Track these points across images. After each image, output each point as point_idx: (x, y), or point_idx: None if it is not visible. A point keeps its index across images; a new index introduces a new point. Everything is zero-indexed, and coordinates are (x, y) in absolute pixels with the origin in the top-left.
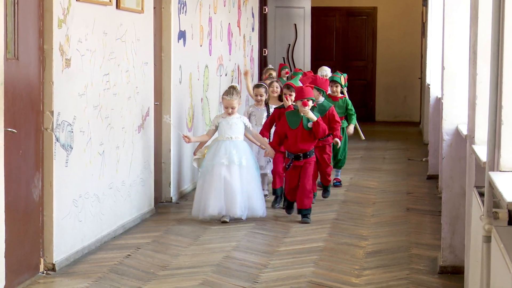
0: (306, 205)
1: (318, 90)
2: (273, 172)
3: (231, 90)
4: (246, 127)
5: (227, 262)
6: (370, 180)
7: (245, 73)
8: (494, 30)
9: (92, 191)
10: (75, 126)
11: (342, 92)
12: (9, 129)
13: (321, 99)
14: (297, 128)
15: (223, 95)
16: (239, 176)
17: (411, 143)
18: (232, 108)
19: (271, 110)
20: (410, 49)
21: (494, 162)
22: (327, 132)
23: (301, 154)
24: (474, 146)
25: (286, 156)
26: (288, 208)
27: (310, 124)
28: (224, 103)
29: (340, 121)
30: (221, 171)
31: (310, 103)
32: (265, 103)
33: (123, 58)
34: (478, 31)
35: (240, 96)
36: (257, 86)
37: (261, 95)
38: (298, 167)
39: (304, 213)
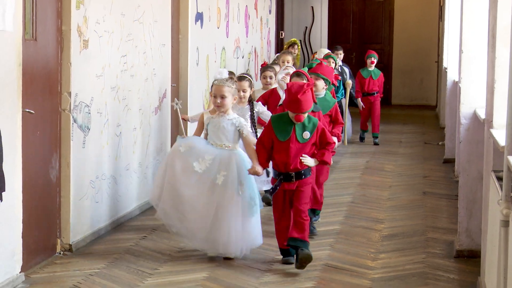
0: (298, 235)
1: (324, 80)
2: None
3: (228, 78)
4: (240, 133)
5: None
6: (386, 164)
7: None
8: None
9: (109, 172)
10: (93, 107)
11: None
12: (27, 110)
13: (323, 92)
14: (287, 139)
15: (213, 81)
16: (223, 205)
17: (427, 127)
18: (222, 97)
19: (259, 109)
20: (427, 33)
21: None
22: (332, 149)
23: (293, 174)
24: (492, 130)
25: (272, 175)
26: (285, 254)
27: (306, 135)
28: (213, 90)
29: (343, 122)
30: (201, 187)
31: (306, 116)
32: (248, 101)
33: (141, 40)
34: (498, 14)
35: (234, 88)
36: (239, 79)
37: (243, 91)
38: (289, 192)
39: (295, 245)
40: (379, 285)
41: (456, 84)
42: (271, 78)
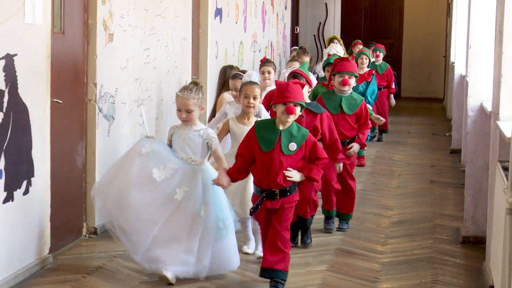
0: (274, 263)
1: (352, 74)
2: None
3: (190, 86)
4: (208, 147)
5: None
6: (395, 153)
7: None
8: None
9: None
10: (117, 97)
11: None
12: (55, 100)
13: (349, 90)
14: (271, 150)
15: (177, 92)
16: (178, 224)
17: (435, 119)
18: (187, 111)
19: (259, 110)
20: (435, 28)
21: None
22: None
23: (277, 191)
24: (498, 122)
25: (253, 192)
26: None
27: (292, 147)
28: (177, 103)
29: (370, 124)
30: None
31: (298, 111)
32: None
33: (163, 34)
34: (505, 11)
35: (201, 98)
36: (233, 77)
37: (237, 90)
38: (272, 211)
39: (270, 276)
40: (389, 268)
41: (463, 78)
42: (269, 73)
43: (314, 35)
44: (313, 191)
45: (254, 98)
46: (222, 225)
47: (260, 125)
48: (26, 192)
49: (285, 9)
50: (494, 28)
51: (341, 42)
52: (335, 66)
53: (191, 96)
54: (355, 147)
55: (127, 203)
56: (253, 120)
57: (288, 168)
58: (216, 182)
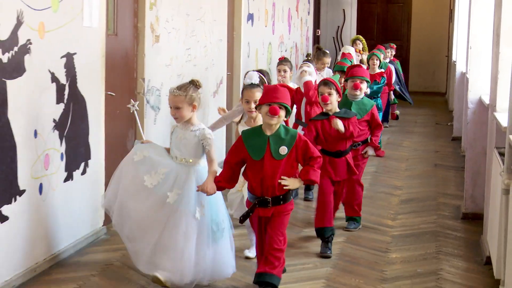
0: (269, 270)
1: (363, 79)
2: (319, 202)
3: (185, 84)
4: (203, 146)
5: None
6: (404, 140)
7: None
8: None
9: None
10: (162, 91)
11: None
12: (109, 93)
13: (362, 95)
14: (262, 158)
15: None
16: (172, 228)
17: (438, 110)
18: (176, 108)
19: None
20: (438, 32)
21: None
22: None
23: (269, 199)
24: (495, 113)
25: (247, 197)
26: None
27: (283, 151)
28: (168, 101)
29: (382, 126)
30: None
31: (283, 114)
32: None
33: (202, 36)
34: (502, 15)
35: (191, 96)
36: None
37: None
38: (265, 219)
39: (263, 281)
40: (398, 241)
41: (463, 75)
42: (285, 71)
43: (333, 37)
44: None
45: (255, 103)
46: (216, 228)
47: (247, 134)
48: (83, 172)
49: (308, 14)
50: (492, 31)
51: (364, 42)
52: (348, 72)
53: (177, 93)
54: (369, 151)
55: (127, 214)
56: (260, 121)
57: (283, 177)
58: (201, 189)
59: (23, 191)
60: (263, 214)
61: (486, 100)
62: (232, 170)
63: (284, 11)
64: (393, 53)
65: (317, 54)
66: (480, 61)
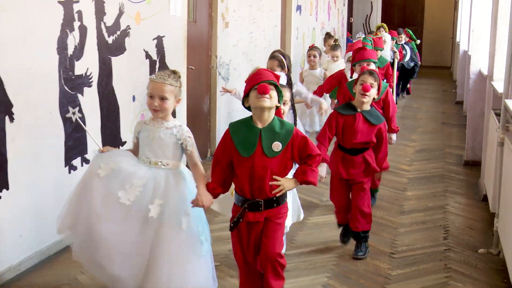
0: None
1: (374, 63)
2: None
3: (168, 72)
4: (183, 149)
5: None
6: (417, 104)
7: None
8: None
9: (240, 107)
10: (231, 65)
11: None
12: (190, 67)
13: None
14: (252, 154)
15: (151, 76)
16: (160, 245)
17: (445, 80)
18: (161, 98)
19: (297, 89)
20: (445, 19)
21: (508, 93)
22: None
23: (261, 201)
24: (493, 82)
25: (235, 201)
26: None
27: (277, 147)
28: (150, 88)
29: (396, 108)
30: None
31: (274, 95)
32: (287, 81)
33: (261, 22)
34: (499, 3)
35: (179, 88)
36: (270, 58)
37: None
38: (255, 227)
39: None
40: (413, 182)
41: (465, 53)
42: (314, 57)
43: (363, 24)
44: (366, 202)
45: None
46: (203, 239)
47: (235, 127)
48: None
49: (343, 6)
50: (490, 16)
51: (387, 29)
52: (354, 57)
53: (168, 81)
54: (392, 137)
55: (101, 238)
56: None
57: (275, 177)
58: (196, 204)
59: (125, 142)
60: (253, 219)
61: (485, 72)
62: (224, 170)
63: (324, 3)
64: (405, 38)
65: (332, 47)
66: (480, 41)
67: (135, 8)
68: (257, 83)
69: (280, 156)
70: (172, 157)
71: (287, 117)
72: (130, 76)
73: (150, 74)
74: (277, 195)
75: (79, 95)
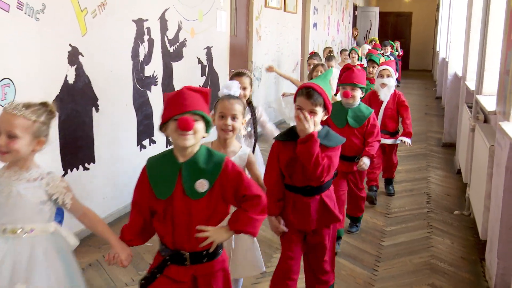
0: None
1: (356, 87)
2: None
3: (36, 106)
4: (54, 204)
5: None
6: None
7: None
8: (482, 16)
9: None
10: (262, 68)
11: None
12: (231, 70)
13: (357, 101)
14: (170, 197)
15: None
16: None
17: (427, 80)
18: (9, 135)
19: (261, 113)
20: (428, 33)
21: (479, 90)
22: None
23: (186, 254)
24: (466, 82)
25: (159, 249)
26: None
27: (202, 186)
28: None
29: (379, 138)
30: None
31: (201, 127)
32: (247, 102)
33: (286, 36)
34: (471, 22)
35: (39, 123)
36: (238, 75)
37: (244, 88)
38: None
39: None
40: (402, 158)
41: (443, 60)
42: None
43: (363, 37)
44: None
45: (233, 118)
46: None
47: (153, 162)
48: None
49: (349, 23)
50: (464, 31)
51: (378, 41)
52: (340, 76)
53: (21, 112)
54: (365, 161)
55: None
56: (234, 146)
57: (199, 227)
58: (114, 263)
59: None
60: (177, 277)
61: (459, 74)
62: (142, 217)
63: (335, 21)
64: (390, 50)
65: (327, 57)
66: (455, 50)
67: (190, 25)
68: (178, 114)
69: (207, 197)
70: (38, 219)
71: (245, 143)
72: (186, 77)
73: (201, 75)
74: (206, 248)
75: (148, 92)
